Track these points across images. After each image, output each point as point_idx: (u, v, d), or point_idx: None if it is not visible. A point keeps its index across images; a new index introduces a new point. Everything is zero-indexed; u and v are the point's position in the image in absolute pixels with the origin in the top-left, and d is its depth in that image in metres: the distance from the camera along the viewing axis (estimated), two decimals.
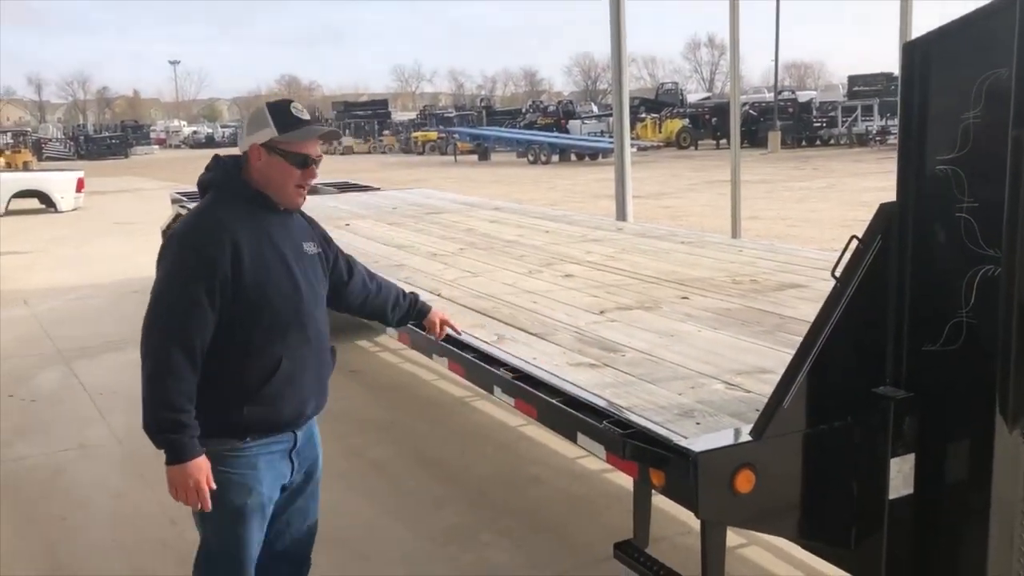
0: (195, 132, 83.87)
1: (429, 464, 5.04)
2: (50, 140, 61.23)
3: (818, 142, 39.88)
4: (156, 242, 11.91)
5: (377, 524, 4.29)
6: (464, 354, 3.56)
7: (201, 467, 2.39)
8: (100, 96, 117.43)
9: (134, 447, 5.43)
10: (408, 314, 3.12)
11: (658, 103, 50.08)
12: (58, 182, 21.63)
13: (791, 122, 39.68)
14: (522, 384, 3.11)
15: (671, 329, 3.72)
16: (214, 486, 2.42)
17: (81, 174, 22.16)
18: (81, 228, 18.01)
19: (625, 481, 4.55)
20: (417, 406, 6.09)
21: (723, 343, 3.48)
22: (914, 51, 2.36)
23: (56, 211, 21.09)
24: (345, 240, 6.73)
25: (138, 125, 74.17)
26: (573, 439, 2.85)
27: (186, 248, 2.43)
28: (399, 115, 74.91)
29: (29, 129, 70.06)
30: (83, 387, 6.74)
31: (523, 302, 4.33)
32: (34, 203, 21.48)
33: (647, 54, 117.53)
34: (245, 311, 2.44)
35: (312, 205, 9.66)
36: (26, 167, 37.17)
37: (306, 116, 2.55)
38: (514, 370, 3.23)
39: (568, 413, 2.84)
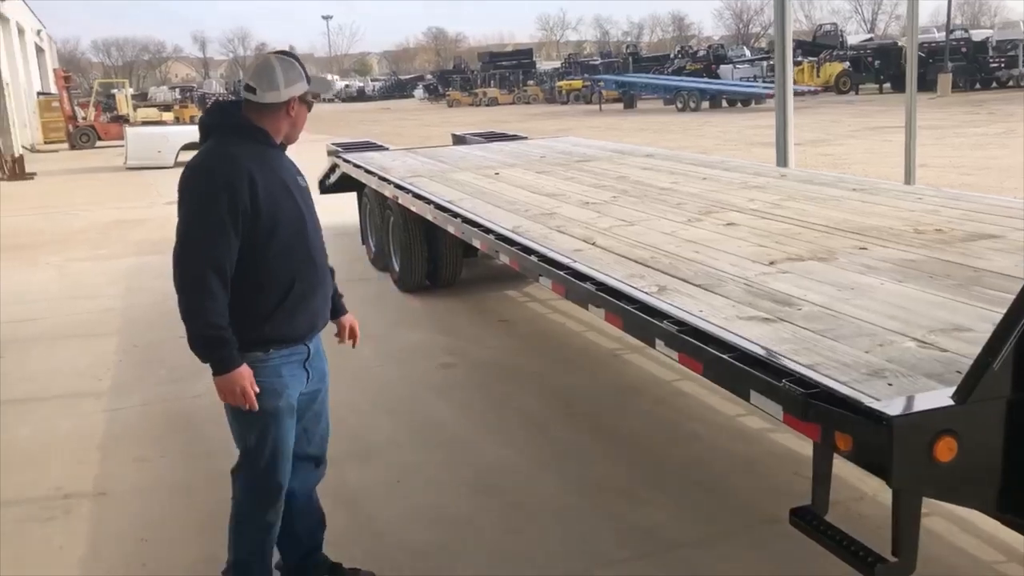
0: (347, 86, 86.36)
1: (581, 417, 4.96)
2: (214, 95, 64.41)
3: (994, 84, 36.93)
4: (313, 195, 12.28)
5: (530, 476, 4.24)
6: (623, 305, 3.42)
7: (244, 375, 2.72)
8: (258, 52, 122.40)
9: None
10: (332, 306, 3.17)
11: (816, 45, 47.54)
12: None
13: (964, 63, 36.85)
14: (688, 338, 2.94)
15: (851, 281, 3.44)
16: (258, 389, 2.74)
17: None
18: None
19: (790, 441, 4.34)
20: (567, 357, 6.01)
21: (911, 297, 3.18)
22: None
23: None
24: (495, 189, 6.69)
25: None
26: (745, 397, 2.67)
27: (211, 179, 2.70)
28: (543, 64, 74.42)
29: (195, 85, 73.80)
30: None
31: (684, 252, 4.13)
32: None
33: None
34: (261, 236, 2.73)
35: (461, 155, 9.69)
36: (192, 121, 39.21)
37: None
38: (679, 323, 3.06)
39: (741, 370, 2.65)
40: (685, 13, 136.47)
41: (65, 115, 29.82)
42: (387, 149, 10.48)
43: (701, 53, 53.08)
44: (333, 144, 11.20)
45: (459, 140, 11.98)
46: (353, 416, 5.05)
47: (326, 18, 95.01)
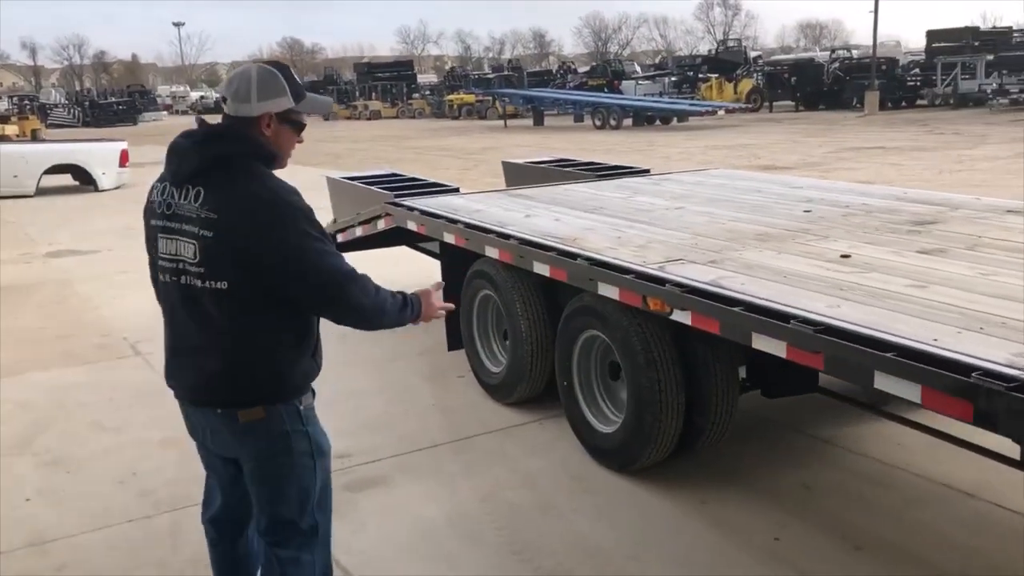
0: (202, 97, 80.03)
1: None
2: (55, 106, 57.19)
3: (903, 104, 36.17)
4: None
5: None
6: None
7: (426, 294, 2.70)
8: (97, 60, 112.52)
9: None
10: None
11: (721, 62, 46.33)
12: (98, 155, 17.96)
13: (884, 81, 35.97)
14: None
15: None
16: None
17: (125, 145, 18.48)
18: (139, 213, 14.46)
19: None
20: None
21: None
22: None
23: (96, 189, 17.55)
24: (956, 303, 3.10)
25: (145, 90, 70.00)
26: None
27: (306, 205, 2.46)
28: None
29: (35, 94, 65.76)
30: None
31: None
32: (67, 179, 17.95)
33: (658, 15, 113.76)
34: None
35: (623, 204, 4.50)
36: (35, 135, 33.33)
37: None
38: None
39: None
40: (546, 30, 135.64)
41: None
42: (457, 190, 6.79)
43: (598, 67, 51.12)
44: (362, 183, 7.39)
45: (518, 171, 8.35)
46: None
47: (177, 25, 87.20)
